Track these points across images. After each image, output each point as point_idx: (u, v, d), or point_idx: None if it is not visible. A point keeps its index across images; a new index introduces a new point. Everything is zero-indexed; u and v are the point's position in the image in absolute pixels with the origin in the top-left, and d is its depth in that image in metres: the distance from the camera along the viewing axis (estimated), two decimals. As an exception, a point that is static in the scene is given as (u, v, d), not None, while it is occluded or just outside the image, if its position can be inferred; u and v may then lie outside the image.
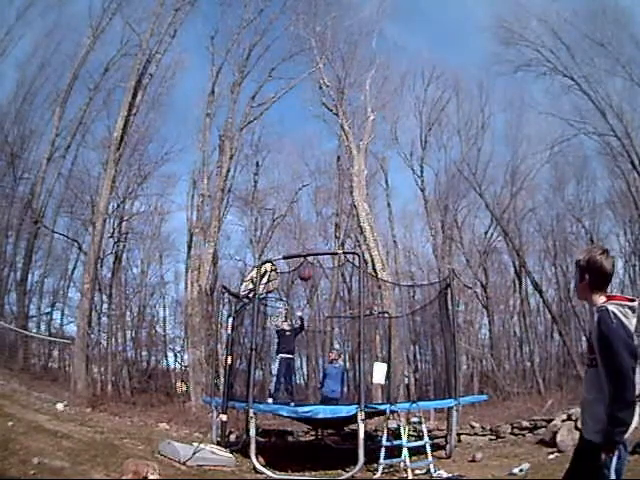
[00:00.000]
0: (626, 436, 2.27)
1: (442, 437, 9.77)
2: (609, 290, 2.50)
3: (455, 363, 10.24)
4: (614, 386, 2.22)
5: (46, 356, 20.24)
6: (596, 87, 19.70)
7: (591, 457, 2.30)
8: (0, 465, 4.75)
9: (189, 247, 22.19)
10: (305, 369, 25.79)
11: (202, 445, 7.48)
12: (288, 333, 10.52)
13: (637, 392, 2.27)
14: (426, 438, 7.97)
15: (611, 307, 2.31)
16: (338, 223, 25.15)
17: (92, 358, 17.70)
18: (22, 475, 4.64)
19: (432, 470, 7.47)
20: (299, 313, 11.69)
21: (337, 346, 12.27)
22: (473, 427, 10.75)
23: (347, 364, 22.66)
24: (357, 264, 9.22)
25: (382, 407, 8.75)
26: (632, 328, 2.30)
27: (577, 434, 8.27)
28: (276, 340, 10.77)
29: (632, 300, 2.36)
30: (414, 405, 8.85)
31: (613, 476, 2.25)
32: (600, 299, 2.42)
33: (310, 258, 10.99)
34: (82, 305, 15.69)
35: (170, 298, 27.54)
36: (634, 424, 2.28)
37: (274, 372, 10.19)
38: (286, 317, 11.35)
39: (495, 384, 19.25)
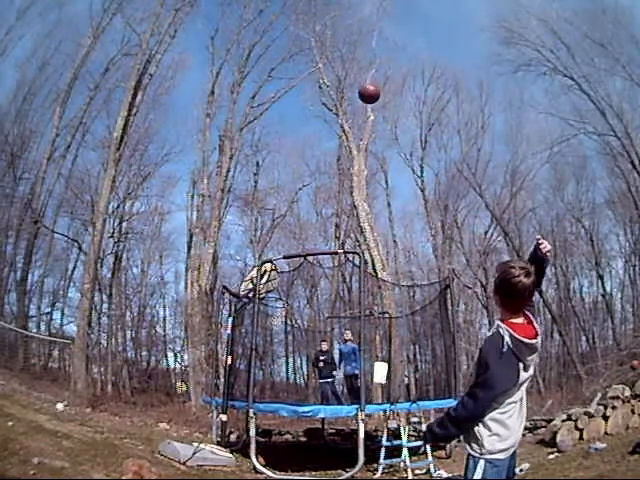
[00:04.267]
0: (492, 452, 2.14)
1: (442, 437, 9.75)
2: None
3: (455, 363, 10.24)
4: (467, 396, 2.14)
5: (46, 356, 20.26)
6: (596, 87, 19.72)
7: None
8: (0, 465, 4.74)
9: (189, 247, 22.20)
10: (305, 369, 25.79)
11: (202, 445, 7.48)
12: (323, 357, 11.25)
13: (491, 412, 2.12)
14: (426, 438, 7.95)
15: (505, 334, 2.13)
16: (338, 223, 25.15)
17: (92, 358, 17.70)
18: (22, 475, 4.64)
19: (432, 470, 7.47)
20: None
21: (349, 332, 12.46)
22: (473, 427, 10.73)
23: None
24: (357, 263, 9.20)
25: (382, 407, 8.74)
26: (523, 361, 2.12)
27: (577, 434, 8.33)
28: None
29: (531, 338, 2.17)
30: (414, 405, 8.84)
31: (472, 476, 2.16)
32: (506, 316, 2.22)
33: (310, 258, 10.99)
34: (82, 305, 15.68)
35: (170, 298, 27.64)
36: (500, 443, 2.15)
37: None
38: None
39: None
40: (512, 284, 2.14)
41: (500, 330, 2.15)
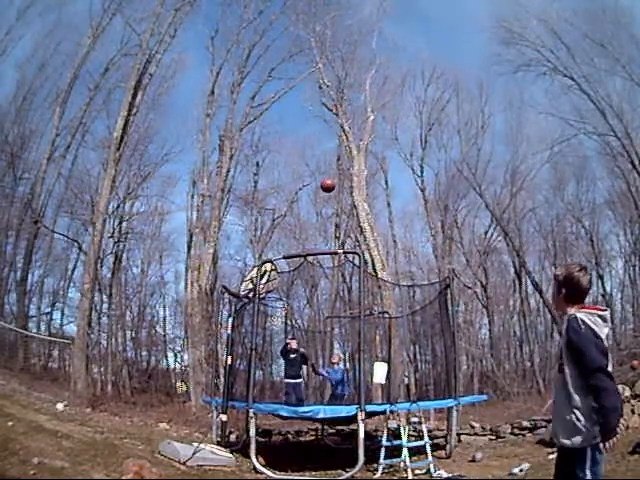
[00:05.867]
0: (597, 441, 2.28)
1: (442, 437, 9.77)
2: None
3: (455, 363, 10.24)
4: (592, 383, 2.26)
5: (46, 356, 20.25)
6: (596, 87, 19.72)
7: (566, 461, 2.37)
8: (0, 465, 4.74)
9: (189, 247, 22.19)
10: (305, 369, 25.78)
11: (202, 445, 7.48)
12: (293, 356, 10.79)
13: None
14: (426, 438, 7.96)
15: (580, 314, 2.40)
16: (338, 223, 25.15)
17: (92, 358, 17.70)
18: (22, 475, 4.64)
19: (432, 470, 7.47)
20: (302, 350, 11.62)
21: (337, 350, 12.41)
22: (473, 427, 10.75)
23: (347, 364, 22.71)
24: (357, 264, 9.20)
25: (382, 407, 8.74)
26: (602, 335, 2.36)
27: (577, 434, 8.28)
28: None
29: (603, 310, 2.45)
30: (414, 405, 8.84)
31: (589, 476, 2.28)
32: (572, 309, 2.50)
33: (310, 258, 10.97)
34: (82, 305, 15.69)
35: (170, 298, 27.61)
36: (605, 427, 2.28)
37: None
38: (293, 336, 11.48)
39: (495, 384, 19.26)
40: (576, 281, 2.51)
41: (576, 316, 2.41)
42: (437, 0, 42.23)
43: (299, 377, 11.05)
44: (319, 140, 41.73)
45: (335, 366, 11.63)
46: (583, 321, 2.36)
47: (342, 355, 12.31)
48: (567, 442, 2.35)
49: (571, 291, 2.52)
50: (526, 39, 21.02)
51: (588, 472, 2.27)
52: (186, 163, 42.77)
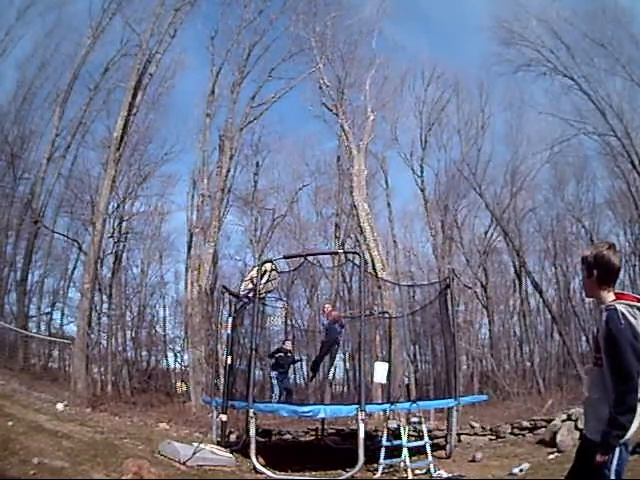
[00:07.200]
0: (627, 437, 2.25)
1: (442, 437, 9.77)
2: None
3: (455, 363, 10.24)
4: (618, 388, 2.20)
5: (46, 356, 20.26)
6: (596, 87, 19.71)
7: (592, 457, 2.29)
8: (0, 465, 4.74)
9: (189, 247, 22.22)
10: (305, 369, 25.81)
11: (202, 445, 7.48)
12: (289, 355, 10.89)
13: None
14: (426, 438, 7.96)
15: (620, 307, 2.26)
16: (338, 223, 25.14)
17: (92, 358, 17.70)
18: (22, 475, 4.64)
19: (432, 470, 7.47)
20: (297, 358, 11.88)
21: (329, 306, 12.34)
22: (473, 427, 10.74)
23: (347, 364, 22.73)
24: (358, 263, 9.20)
25: (382, 407, 8.74)
26: (639, 329, 2.25)
27: (577, 434, 8.32)
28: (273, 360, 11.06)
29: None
30: (414, 405, 8.84)
31: (613, 476, 2.22)
32: (609, 297, 2.36)
33: (310, 258, 10.98)
34: (82, 305, 15.68)
35: (170, 298, 27.60)
36: (635, 426, 2.25)
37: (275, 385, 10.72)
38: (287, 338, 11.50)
39: (495, 384, 19.25)
40: (607, 260, 2.36)
41: (616, 307, 2.27)
42: (437, 0, 42.26)
43: (286, 373, 11.05)
44: (319, 140, 41.70)
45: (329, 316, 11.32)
46: (624, 315, 2.22)
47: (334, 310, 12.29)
48: (600, 438, 2.29)
49: (603, 272, 2.36)
50: (526, 39, 21.01)
51: (613, 470, 2.22)
52: (186, 163, 42.87)
